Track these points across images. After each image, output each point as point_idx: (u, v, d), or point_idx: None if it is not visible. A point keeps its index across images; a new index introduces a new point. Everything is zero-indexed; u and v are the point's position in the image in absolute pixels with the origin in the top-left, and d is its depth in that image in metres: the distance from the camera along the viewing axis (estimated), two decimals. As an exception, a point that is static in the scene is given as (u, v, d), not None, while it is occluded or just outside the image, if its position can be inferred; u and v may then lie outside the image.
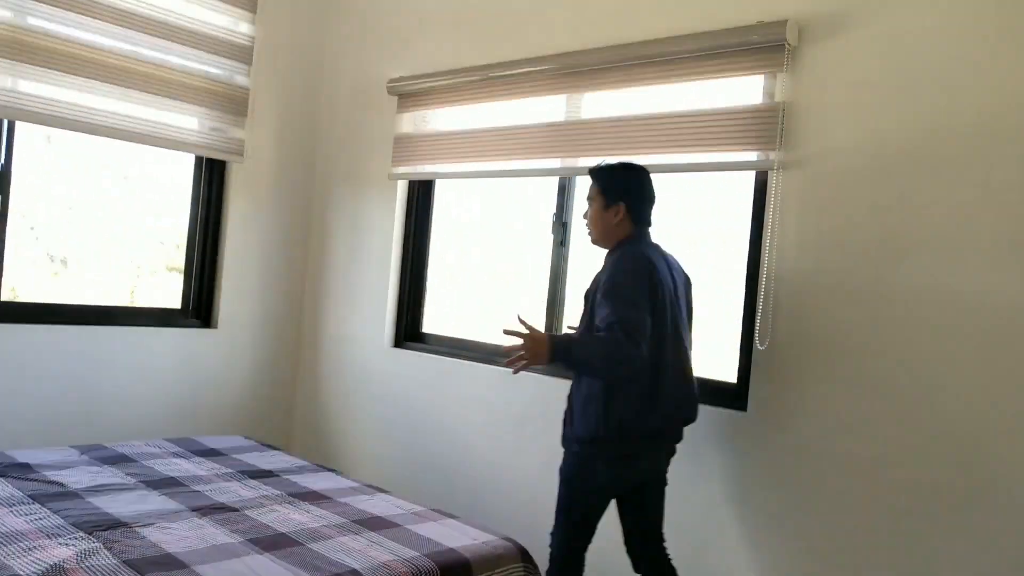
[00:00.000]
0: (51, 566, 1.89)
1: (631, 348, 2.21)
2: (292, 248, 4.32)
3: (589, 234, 2.62)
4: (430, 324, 3.96)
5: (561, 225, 3.39)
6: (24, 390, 3.39)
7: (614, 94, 3.10)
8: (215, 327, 4.04)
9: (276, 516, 2.41)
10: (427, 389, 3.74)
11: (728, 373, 2.88)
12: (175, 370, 3.89)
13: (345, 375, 4.15)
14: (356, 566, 2.08)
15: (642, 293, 2.32)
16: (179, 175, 3.98)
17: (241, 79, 3.98)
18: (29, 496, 2.38)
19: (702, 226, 3.11)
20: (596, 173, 2.61)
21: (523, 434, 3.32)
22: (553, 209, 3.41)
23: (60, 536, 2.09)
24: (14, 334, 3.38)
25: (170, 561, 1.99)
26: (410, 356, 3.86)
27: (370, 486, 2.86)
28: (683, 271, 2.64)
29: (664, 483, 2.61)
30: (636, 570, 2.61)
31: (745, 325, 2.82)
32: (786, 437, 2.63)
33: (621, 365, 2.25)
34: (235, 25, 3.93)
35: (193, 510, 2.39)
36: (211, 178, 4.03)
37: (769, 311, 2.69)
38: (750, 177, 2.86)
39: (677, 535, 2.87)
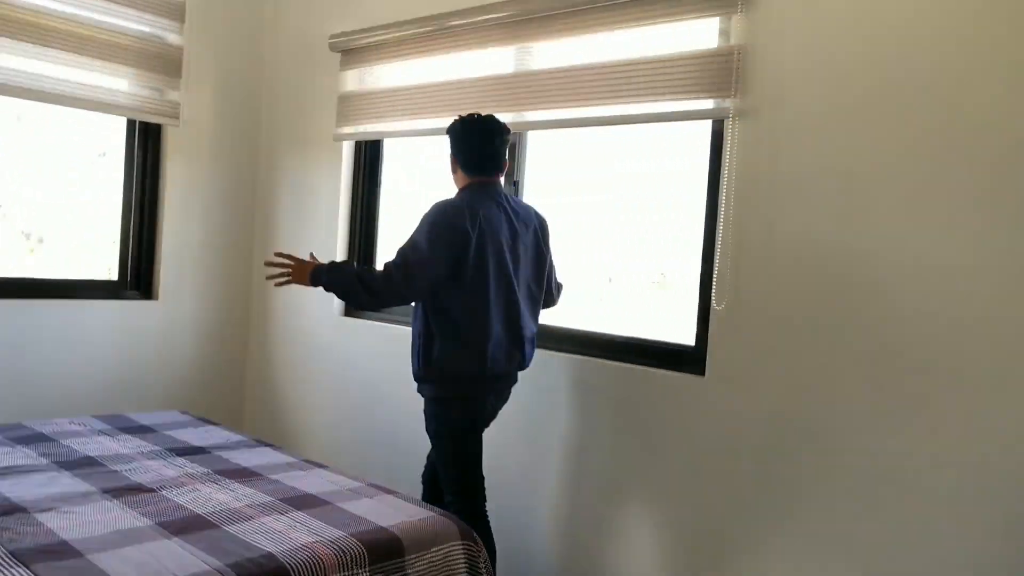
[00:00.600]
0: (-72, 558, 1.72)
1: (383, 284, 2.41)
2: (236, 215, 4.11)
3: None
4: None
5: (513, 184, 3.21)
6: (-55, 369, 3.20)
7: (564, 43, 2.90)
8: (156, 299, 3.84)
9: (196, 496, 2.24)
10: (378, 358, 3.57)
11: (686, 335, 2.72)
12: (114, 344, 3.70)
13: (296, 346, 3.97)
14: (272, 549, 1.91)
15: (435, 239, 2.42)
16: (111, 140, 3.76)
17: (173, 37, 3.74)
18: (-76, 481, 2.20)
19: (658, 179, 2.94)
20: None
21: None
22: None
23: (-54, 524, 1.91)
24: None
25: (63, 549, 1.81)
26: (361, 325, 3.68)
27: (308, 461, 2.68)
28: (535, 218, 2.69)
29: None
30: (424, 498, 2.71)
31: (703, 284, 2.65)
32: (745, 402, 2.48)
33: (372, 297, 2.46)
34: (166, -21, 3.69)
35: (105, 492, 2.21)
36: (146, 143, 3.80)
37: (727, 269, 2.53)
38: (707, 127, 2.68)
39: (632, 506, 2.73)
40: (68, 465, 2.42)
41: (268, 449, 2.79)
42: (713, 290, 2.54)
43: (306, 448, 3.81)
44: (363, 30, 3.54)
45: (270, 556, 1.87)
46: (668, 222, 2.91)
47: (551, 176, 3.21)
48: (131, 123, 3.77)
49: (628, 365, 2.77)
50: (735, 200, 2.52)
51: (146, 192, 3.81)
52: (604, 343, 2.89)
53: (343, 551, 1.96)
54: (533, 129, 3.08)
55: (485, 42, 3.14)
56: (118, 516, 2.05)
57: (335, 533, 2.04)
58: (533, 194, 3.16)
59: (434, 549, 2.14)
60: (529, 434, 2.99)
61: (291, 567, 1.86)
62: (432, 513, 2.28)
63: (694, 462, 2.59)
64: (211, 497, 2.24)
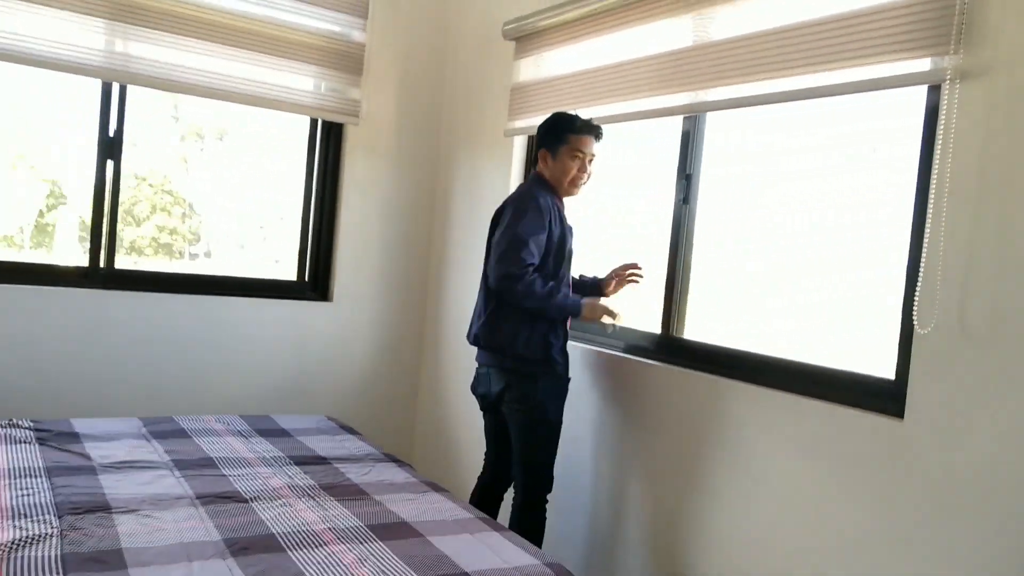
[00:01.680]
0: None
1: None
2: (414, 217, 4.00)
3: None
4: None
5: (685, 178, 2.75)
6: (132, 359, 3.34)
7: (749, 4, 2.42)
8: (332, 300, 3.82)
9: (283, 512, 2.06)
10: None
11: (884, 366, 2.12)
12: (289, 345, 3.71)
13: (468, 358, 3.76)
14: (321, 587, 1.67)
15: None
16: (294, 140, 3.80)
17: (358, 34, 3.70)
18: (45, 468, 2.22)
19: (849, 163, 2.36)
20: None
21: (677, 435, 2.73)
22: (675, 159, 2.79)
23: (28, 517, 1.87)
24: (125, 302, 3.34)
25: (111, 559, 1.69)
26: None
27: (428, 483, 2.43)
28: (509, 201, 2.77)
29: (509, 419, 2.69)
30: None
31: (906, 300, 2.05)
32: (956, 457, 1.85)
33: None
34: (350, -24, 3.66)
35: (198, 497, 2.11)
36: (327, 142, 3.81)
37: (936, 281, 1.91)
38: (921, 94, 2.07)
39: (816, 570, 2.19)
40: (182, 465, 2.37)
41: (392, 466, 2.58)
42: (915, 309, 1.94)
43: (473, 468, 3.59)
44: (534, 14, 3.26)
45: (315, 595, 1.63)
46: (855, 216, 2.31)
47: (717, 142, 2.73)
48: (312, 122, 3.79)
49: (804, 398, 2.22)
50: (952, 191, 1.89)
51: (326, 192, 3.81)
52: (773, 368, 2.37)
53: (405, 598, 1.67)
54: (712, 110, 2.62)
55: (659, 13, 2.72)
56: (193, 526, 1.92)
57: (406, 575, 1.75)
58: (706, 191, 2.70)
59: (524, 606, 1.79)
60: (695, 475, 2.53)
61: (336, 611, 1.60)
62: (533, 560, 1.92)
63: (890, 525, 1.99)
64: (297, 515, 2.05)
